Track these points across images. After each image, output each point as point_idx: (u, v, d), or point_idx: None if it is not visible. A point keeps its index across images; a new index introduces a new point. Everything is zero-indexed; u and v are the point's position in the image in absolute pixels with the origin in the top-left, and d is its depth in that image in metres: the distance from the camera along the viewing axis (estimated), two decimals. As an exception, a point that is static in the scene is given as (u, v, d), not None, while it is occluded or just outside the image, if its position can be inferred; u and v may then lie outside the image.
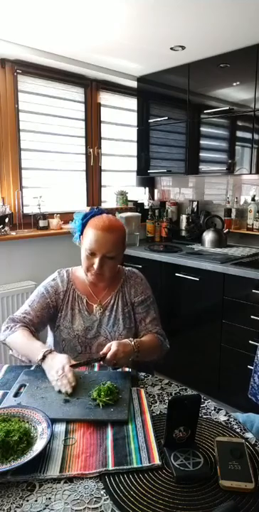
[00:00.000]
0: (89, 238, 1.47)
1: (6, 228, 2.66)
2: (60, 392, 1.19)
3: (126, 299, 1.60)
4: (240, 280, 2.40)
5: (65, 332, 1.53)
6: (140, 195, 3.72)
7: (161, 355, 1.56)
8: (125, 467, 0.90)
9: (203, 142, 2.99)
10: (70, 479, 0.87)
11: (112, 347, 1.30)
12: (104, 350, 1.32)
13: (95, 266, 1.47)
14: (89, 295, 1.58)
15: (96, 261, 1.46)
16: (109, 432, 1.02)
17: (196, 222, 3.28)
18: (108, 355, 1.29)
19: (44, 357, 1.29)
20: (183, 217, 3.38)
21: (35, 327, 1.49)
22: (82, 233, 1.53)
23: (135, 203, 3.54)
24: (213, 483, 0.86)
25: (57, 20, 2.18)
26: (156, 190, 3.78)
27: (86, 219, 1.52)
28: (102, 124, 3.34)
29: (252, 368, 2.37)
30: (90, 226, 1.49)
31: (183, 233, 3.36)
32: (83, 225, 1.52)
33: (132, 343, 1.37)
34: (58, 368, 1.23)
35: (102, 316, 1.56)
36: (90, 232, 1.47)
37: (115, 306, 1.58)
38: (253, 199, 2.99)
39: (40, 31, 2.34)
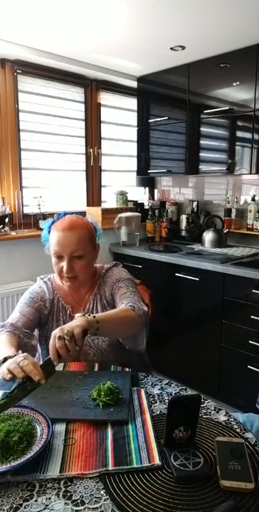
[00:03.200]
0: (52, 242, 1.43)
1: (6, 228, 2.66)
2: (60, 391, 1.19)
3: (104, 300, 1.53)
4: (240, 280, 2.40)
5: None
6: (140, 195, 3.72)
7: (139, 323, 1.35)
8: (125, 467, 0.90)
9: (203, 142, 2.99)
10: (70, 479, 0.87)
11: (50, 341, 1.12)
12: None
13: (64, 269, 1.41)
14: (73, 305, 1.53)
15: (64, 264, 1.41)
16: (109, 431, 1.02)
17: (196, 222, 3.28)
18: (50, 352, 1.10)
19: (5, 360, 1.09)
20: (183, 217, 3.39)
21: (28, 329, 1.42)
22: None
23: (135, 203, 3.54)
24: (213, 483, 0.86)
25: (57, 20, 2.18)
26: (156, 190, 3.78)
27: (51, 226, 1.48)
28: (102, 124, 3.35)
29: (252, 367, 2.38)
30: (53, 229, 1.45)
31: (183, 233, 3.36)
32: (49, 233, 1.48)
33: (80, 314, 1.19)
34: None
35: None
36: (52, 236, 1.43)
37: (95, 312, 1.50)
38: (253, 199, 3.00)
39: (40, 31, 2.34)
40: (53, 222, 1.49)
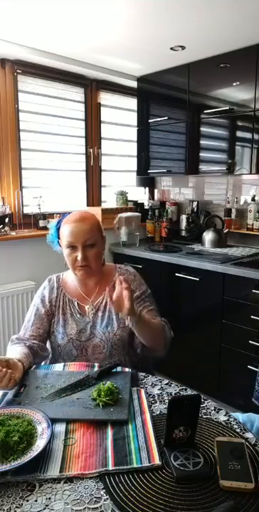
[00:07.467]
0: (65, 234, 1.49)
1: (6, 228, 2.66)
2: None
3: None
4: (240, 280, 2.40)
5: (59, 337, 1.53)
6: (140, 195, 3.72)
7: (164, 342, 1.51)
8: (125, 467, 0.90)
9: (203, 142, 2.99)
10: (70, 479, 0.87)
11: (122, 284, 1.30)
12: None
13: (79, 258, 1.46)
14: (80, 297, 1.57)
15: (78, 253, 1.47)
16: (109, 432, 1.02)
17: (196, 222, 3.28)
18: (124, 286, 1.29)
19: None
20: (183, 217, 3.38)
21: (41, 340, 1.50)
22: (59, 237, 1.54)
23: (135, 203, 3.54)
24: (213, 483, 0.86)
25: (57, 20, 2.18)
26: (156, 190, 3.78)
27: (59, 224, 1.55)
28: (102, 124, 3.34)
29: (252, 368, 2.38)
30: (64, 224, 1.52)
31: (183, 233, 3.36)
32: (58, 230, 1.55)
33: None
34: None
35: (94, 317, 1.54)
36: (64, 229, 1.50)
37: (108, 306, 1.55)
38: (253, 199, 3.00)
39: (40, 31, 2.34)
40: (59, 221, 1.55)
